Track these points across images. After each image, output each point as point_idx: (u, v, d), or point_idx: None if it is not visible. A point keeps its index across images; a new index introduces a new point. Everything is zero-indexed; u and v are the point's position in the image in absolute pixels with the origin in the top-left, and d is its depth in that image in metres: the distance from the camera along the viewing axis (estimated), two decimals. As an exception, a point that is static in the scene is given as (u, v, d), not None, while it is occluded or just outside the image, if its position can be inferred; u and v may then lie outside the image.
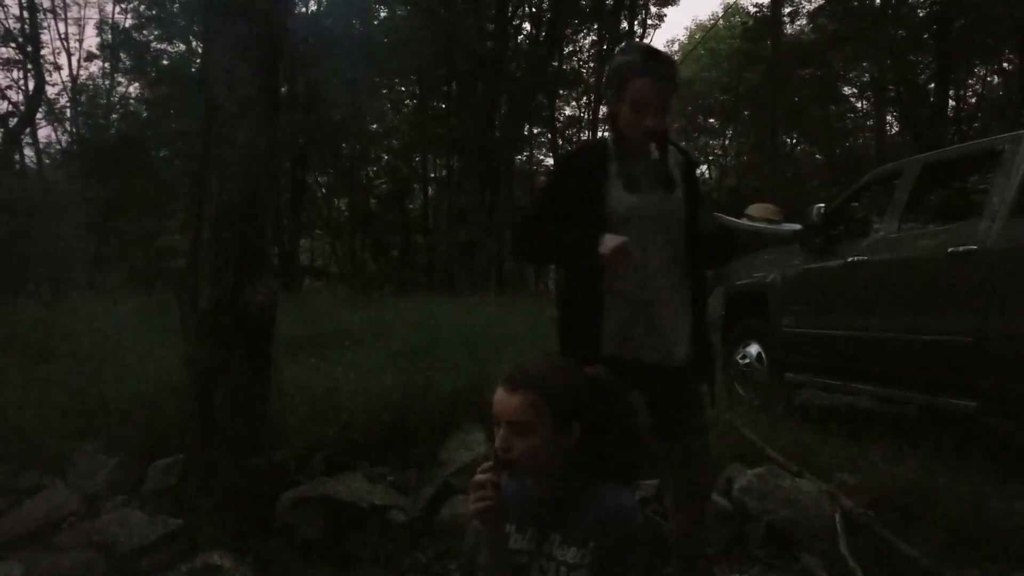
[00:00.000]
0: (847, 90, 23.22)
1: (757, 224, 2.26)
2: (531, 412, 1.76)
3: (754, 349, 6.11)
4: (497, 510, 1.79)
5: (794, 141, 24.13)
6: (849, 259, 5.16)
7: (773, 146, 17.34)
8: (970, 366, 4.18)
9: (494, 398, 1.81)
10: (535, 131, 21.46)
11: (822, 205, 5.83)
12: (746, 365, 6.15)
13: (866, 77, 21.63)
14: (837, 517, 3.27)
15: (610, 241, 2.19)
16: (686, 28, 39.86)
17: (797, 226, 2.24)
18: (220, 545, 3.05)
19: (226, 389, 3.31)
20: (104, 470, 3.61)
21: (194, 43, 17.44)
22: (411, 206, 22.24)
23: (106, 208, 14.97)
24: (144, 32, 19.20)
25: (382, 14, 19.97)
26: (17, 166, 17.79)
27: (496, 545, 1.85)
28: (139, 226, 15.80)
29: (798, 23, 21.74)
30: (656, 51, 2.38)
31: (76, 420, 3.96)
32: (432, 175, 21.80)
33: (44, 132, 20.67)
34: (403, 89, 21.83)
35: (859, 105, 24.18)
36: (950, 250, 4.33)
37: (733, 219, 2.29)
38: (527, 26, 21.16)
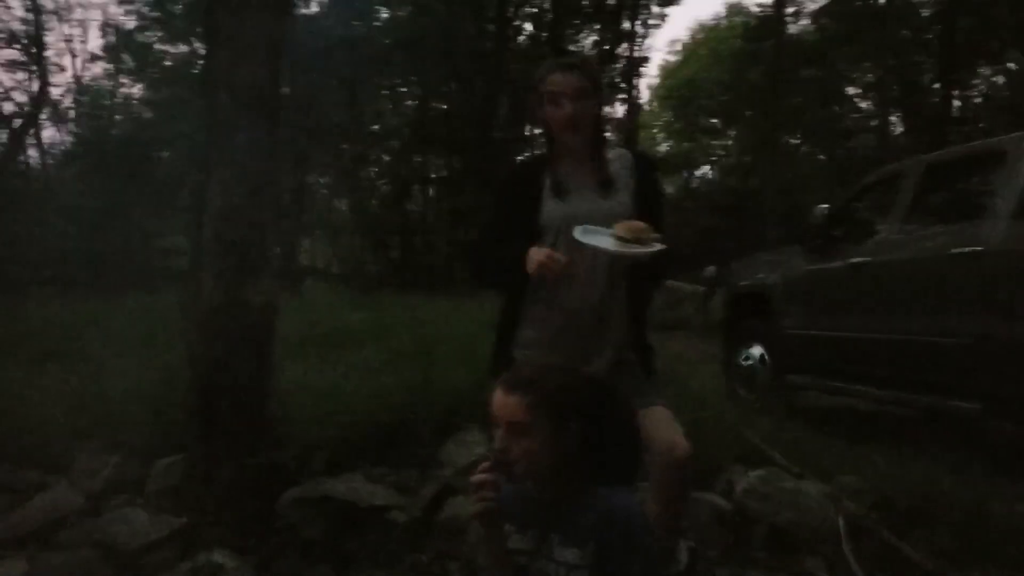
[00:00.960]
0: (850, 90, 23.20)
1: (606, 245, 2.17)
2: (529, 413, 1.76)
3: (756, 350, 6.10)
4: (497, 510, 1.79)
5: (797, 142, 24.10)
6: (852, 260, 5.16)
7: (773, 147, 17.33)
8: (973, 368, 4.17)
9: (493, 399, 1.81)
10: (536, 131, 21.46)
11: (825, 206, 5.83)
12: (748, 367, 6.14)
13: (870, 77, 21.61)
14: (840, 520, 3.26)
15: (535, 255, 2.18)
16: (688, 28, 39.86)
17: (653, 248, 2.14)
18: (222, 544, 3.06)
19: (227, 389, 3.31)
20: (106, 469, 3.62)
21: (196, 44, 17.47)
22: (411, 207, 22.23)
23: (109, 208, 14.97)
24: (147, 33, 19.24)
25: (383, 15, 19.98)
26: (21, 166, 17.81)
27: (496, 545, 1.85)
28: (142, 226, 15.81)
29: (801, 23, 21.74)
30: (565, 52, 2.44)
31: (78, 419, 3.96)
32: (432, 176, 21.80)
33: (48, 133, 20.71)
34: (404, 90, 21.83)
35: (862, 105, 24.16)
36: (954, 251, 4.32)
37: (585, 235, 2.21)
38: (528, 26, 21.17)
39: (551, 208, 2.34)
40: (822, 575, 3.06)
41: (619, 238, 2.16)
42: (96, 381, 4.44)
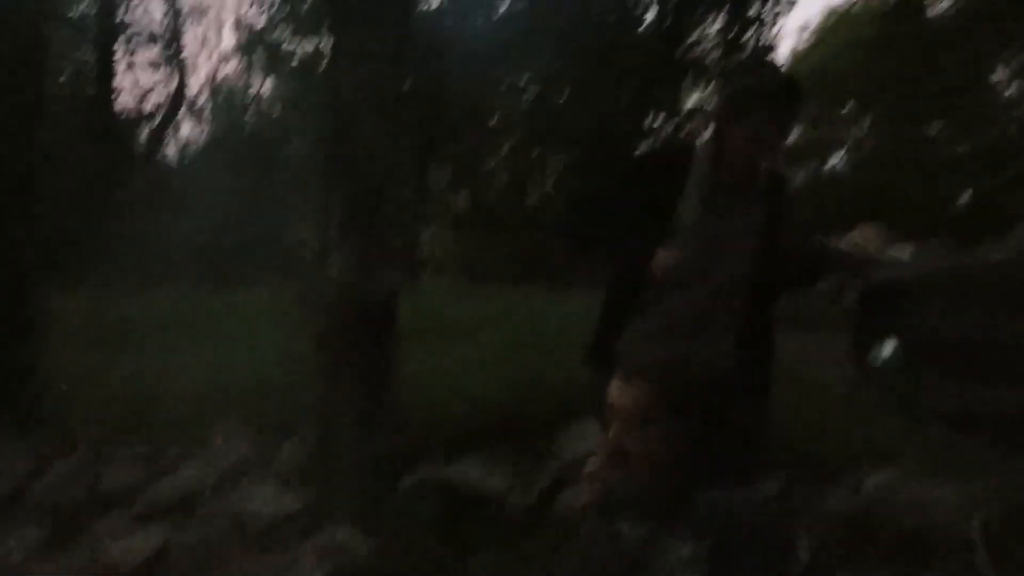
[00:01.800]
0: (996, 75, 21.80)
1: (863, 254, 2.12)
2: (647, 408, 1.74)
3: (889, 347, 5.85)
4: (609, 502, 1.79)
5: (937, 129, 22.82)
6: (997, 255, 4.87)
7: (912, 135, 16.46)
8: None
9: (609, 391, 1.80)
10: (655, 124, 21.14)
11: (968, 195, 5.52)
12: (881, 364, 5.89)
13: (1017, 61, 20.25)
14: (975, 526, 3.09)
15: (664, 259, 2.12)
16: (820, 13, 38.22)
17: (906, 251, 2.08)
18: (345, 522, 3.17)
19: (352, 375, 3.43)
20: (240, 447, 3.81)
21: (322, 43, 18.08)
22: (529, 199, 22.32)
23: (243, 202, 15.71)
24: (276, 33, 20.03)
25: (503, 8, 20.11)
26: (161, 162, 18.88)
27: (609, 536, 1.85)
28: (274, 218, 16.51)
29: (941, 5, 20.57)
30: (790, 85, 2.21)
31: (214, 400, 4.18)
32: (551, 168, 21.81)
33: (185, 130, 21.83)
34: (523, 83, 21.91)
35: (1009, 91, 22.65)
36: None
37: (836, 245, 2.17)
38: (650, 15, 20.84)
39: (690, 213, 2.25)
40: (955, 583, 2.91)
41: (870, 246, 2.14)
42: (231, 365, 4.67)
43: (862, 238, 2.11)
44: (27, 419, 3.84)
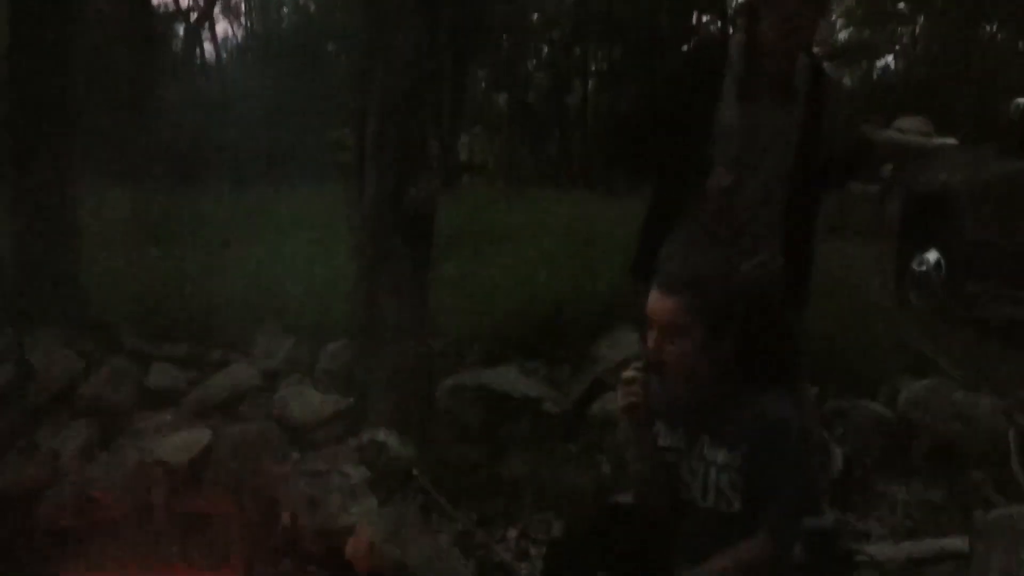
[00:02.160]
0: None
1: (909, 138, 2.06)
2: (683, 316, 1.72)
3: (932, 256, 5.73)
4: (645, 407, 1.80)
5: (993, 28, 21.73)
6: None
7: (967, 34, 15.67)
8: None
9: (648, 299, 1.79)
10: (703, 19, 20.40)
11: (1022, 100, 5.29)
12: (922, 272, 5.79)
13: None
14: (1011, 434, 3.10)
15: (721, 178, 2.11)
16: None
17: (952, 140, 2.02)
18: (385, 424, 3.24)
19: (389, 279, 3.45)
20: (282, 350, 3.89)
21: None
22: (570, 101, 21.88)
23: (280, 102, 15.59)
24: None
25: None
26: (198, 61, 18.73)
27: (645, 441, 1.86)
28: (311, 119, 16.39)
29: None
30: None
31: (256, 303, 4.25)
32: (593, 68, 21.26)
33: (221, 28, 21.57)
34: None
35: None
36: None
37: (881, 131, 2.10)
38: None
39: (732, 109, 2.19)
40: (988, 490, 2.93)
41: (918, 133, 2.10)
42: (271, 268, 4.72)
43: (906, 127, 2.03)
44: (73, 319, 3.94)
